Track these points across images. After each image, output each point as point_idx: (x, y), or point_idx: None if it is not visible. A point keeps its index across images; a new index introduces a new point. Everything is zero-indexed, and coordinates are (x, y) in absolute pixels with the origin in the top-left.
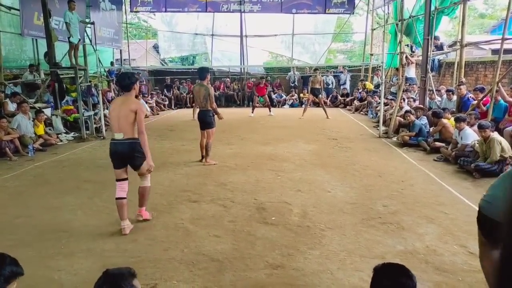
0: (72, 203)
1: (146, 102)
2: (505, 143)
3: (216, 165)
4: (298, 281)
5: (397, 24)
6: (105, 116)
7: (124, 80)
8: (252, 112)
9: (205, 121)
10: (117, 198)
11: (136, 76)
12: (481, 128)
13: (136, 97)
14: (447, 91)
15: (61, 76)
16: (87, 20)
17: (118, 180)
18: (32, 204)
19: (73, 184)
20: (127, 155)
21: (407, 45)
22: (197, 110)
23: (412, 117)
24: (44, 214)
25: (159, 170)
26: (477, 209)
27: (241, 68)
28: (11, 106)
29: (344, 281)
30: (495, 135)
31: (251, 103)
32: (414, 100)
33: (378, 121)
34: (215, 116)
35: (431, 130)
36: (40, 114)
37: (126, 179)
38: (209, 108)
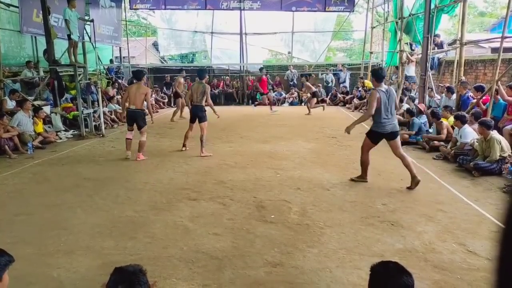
0: (71, 200)
1: None
2: (504, 142)
3: (216, 162)
4: (297, 279)
5: (397, 22)
6: (104, 113)
7: (139, 74)
8: (255, 106)
9: (199, 115)
10: (126, 138)
11: (145, 72)
12: (485, 126)
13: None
14: (447, 88)
15: (61, 74)
16: (87, 18)
17: (128, 130)
18: (31, 202)
19: (73, 181)
20: (135, 118)
21: (407, 43)
22: (178, 113)
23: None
24: (43, 212)
25: (158, 168)
26: None
27: (240, 66)
28: (10, 104)
29: (343, 279)
30: (495, 134)
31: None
32: (413, 100)
33: None
34: (212, 112)
35: (430, 130)
36: (39, 111)
37: (132, 130)
38: (203, 104)
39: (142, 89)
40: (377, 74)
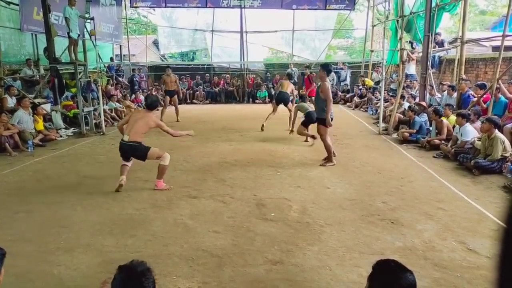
0: (71, 198)
1: None
2: (507, 142)
3: (216, 160)
4: (297, 277)
5: (397, 21)
6: (104, 111)
7: (152, 104)
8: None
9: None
10: (122, 165)
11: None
12: (493, 123)
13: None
14: (449, 86)
15: (61, 72)
16: (87, 16)
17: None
18: (31, 200)
19: (73, 179)
20: (132, 153)
21: (407, 42)
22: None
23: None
24: (43, 210)
25: None
26: None
27: (241, 64)
28: (11, 102)
29: (343, 277)
30: (499, 133)
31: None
32: (414, 98)
33: (378, 118)
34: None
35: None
36: (38, 108)
37: (130, 160)
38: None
39: (152, 119)
40: (328, 68)
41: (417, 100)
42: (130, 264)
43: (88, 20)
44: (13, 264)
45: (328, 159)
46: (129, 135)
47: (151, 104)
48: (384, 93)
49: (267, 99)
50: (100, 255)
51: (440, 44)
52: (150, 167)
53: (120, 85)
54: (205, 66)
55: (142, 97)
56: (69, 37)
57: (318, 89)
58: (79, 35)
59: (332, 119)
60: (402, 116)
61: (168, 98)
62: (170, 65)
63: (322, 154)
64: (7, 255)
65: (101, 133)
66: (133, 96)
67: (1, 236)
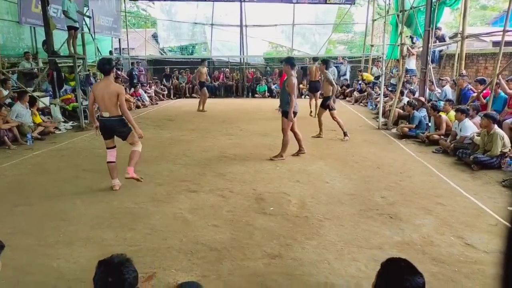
0: (70, 192)
1: (145, 92)
2: (506, 138)
3: (215, 155)
4: (296, 271)
5: (398, 15)
6: None
7: (104, 66)
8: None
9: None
10: (108, 162)
11: (113, 62)
12: (491, 118)
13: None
14: (454, 81)
15: (60, 65)
16: (86, 9)
17: (108, 148)
18: (31, 193)
19: (72, 173)
20: (113, 129)
21: (408, 36)
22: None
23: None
24: (43, 203)
25: (157, 160)
26: None
27: (240, 58)
28: (5, 93)
29: (342, 271)
30: (498, 129)
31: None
32: (413, 93)
33: (378, 113)
34: None
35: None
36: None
37: (114, 147)
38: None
39: (112, 88)
40: (292, 62)
41: (416, 95)
42: (108, 258)
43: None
44: (13, 257)
45: (279, 154)
46: (108, 111)
47: (103, 67)
48: (384, 88)
49: (266, 94)
50: (99, 249)
51: (441, 38)
52: (149, 161)
53: (119, 79)
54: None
55: (141, 91)
56: (69, 30)
57: (284, 82)
58: (78, 28)
59: (296, 113)
60: (401, 111)
61: (205, 89)
62: (170, 59)
63: (320, 149)
64: (6, 248)
65: None
66: (132, 89)
67: (1, 230)
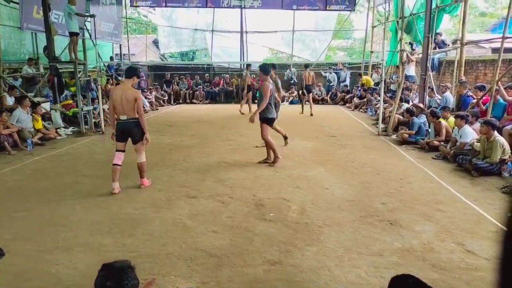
0: (70, 197)
1: (146, 98)
2: (507, 145)
3: (215, 160)
4: (296, 278)
5: (397, 22)
6: (104, 111)
7: (129, 71)
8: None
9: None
10: (113, 164)
11: (138, 72)
12: (490, 125)
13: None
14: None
15: (61, 71)
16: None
17: (117, 150)
18: (30, 198)
19: (72, 178)
20: (130, 131)
21: (407, 43)
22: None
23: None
24: (42, 208)
25: (157, 166)
26: None
27: (241, 65)
28: (9, 100)
29: (342, 277)
30: (499, 137)
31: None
32: (407, 102)
33: (378, 119)
34: None
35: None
36: (37, 107)
37: (123, 151)
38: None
39: (130, 92)
40: (266, 69)
41: (416, 101)
42: (112, 262)
43: (88, 19)
44: (12, 263)
45: (275, 157)
46: (126, 114)
47: (127, 70)
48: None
49: None
50: (98, 254)
51: (441, 44)
52: (148, 167)
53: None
54: (205, 66)
55: (141, 97)
56: (71, 36)
57: (260, 88)
58: (78, 34)
59: (273, 119)
60: (401, 117)
61: (250, 93)
62: (171, 65)
63: (321, 155)
64: (5, 254)
65: (101, 132)
66: None
67: (0, 235)
